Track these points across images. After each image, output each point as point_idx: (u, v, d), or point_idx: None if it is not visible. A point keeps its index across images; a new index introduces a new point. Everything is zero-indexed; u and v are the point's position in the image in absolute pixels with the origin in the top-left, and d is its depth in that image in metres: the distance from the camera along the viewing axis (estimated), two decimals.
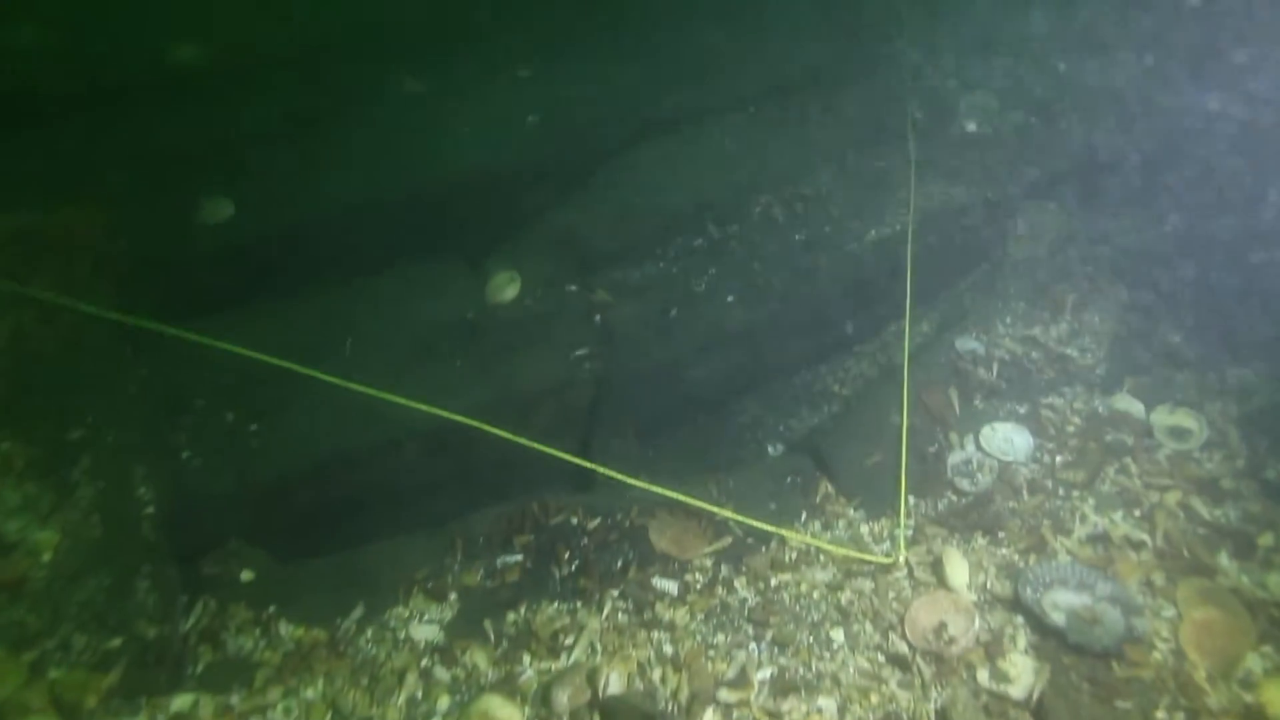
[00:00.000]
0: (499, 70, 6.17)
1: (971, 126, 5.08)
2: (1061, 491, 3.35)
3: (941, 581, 3.10)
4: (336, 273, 4.84)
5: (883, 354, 4.86)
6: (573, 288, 4.66)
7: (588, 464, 3.59)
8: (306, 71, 6.20)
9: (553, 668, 2.98)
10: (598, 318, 4.48)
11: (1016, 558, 3.16)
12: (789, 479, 3.79)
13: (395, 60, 6.34)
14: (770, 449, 4.67)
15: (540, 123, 5.59)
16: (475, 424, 3.70)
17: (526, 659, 3.03)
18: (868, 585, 3.17)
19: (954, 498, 3.45)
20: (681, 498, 3.45)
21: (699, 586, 3.30)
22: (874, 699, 2.71)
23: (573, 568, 3.44)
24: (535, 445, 3.60)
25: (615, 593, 3.25)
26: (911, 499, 3.48)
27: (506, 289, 4.69)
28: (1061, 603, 2.89)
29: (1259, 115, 4.54)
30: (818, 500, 3.63)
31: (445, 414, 3.76)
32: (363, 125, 5.70)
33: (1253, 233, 4.21)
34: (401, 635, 3.22)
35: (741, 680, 2.83)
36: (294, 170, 5.36)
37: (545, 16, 6.70)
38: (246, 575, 3.51)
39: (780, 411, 4.83)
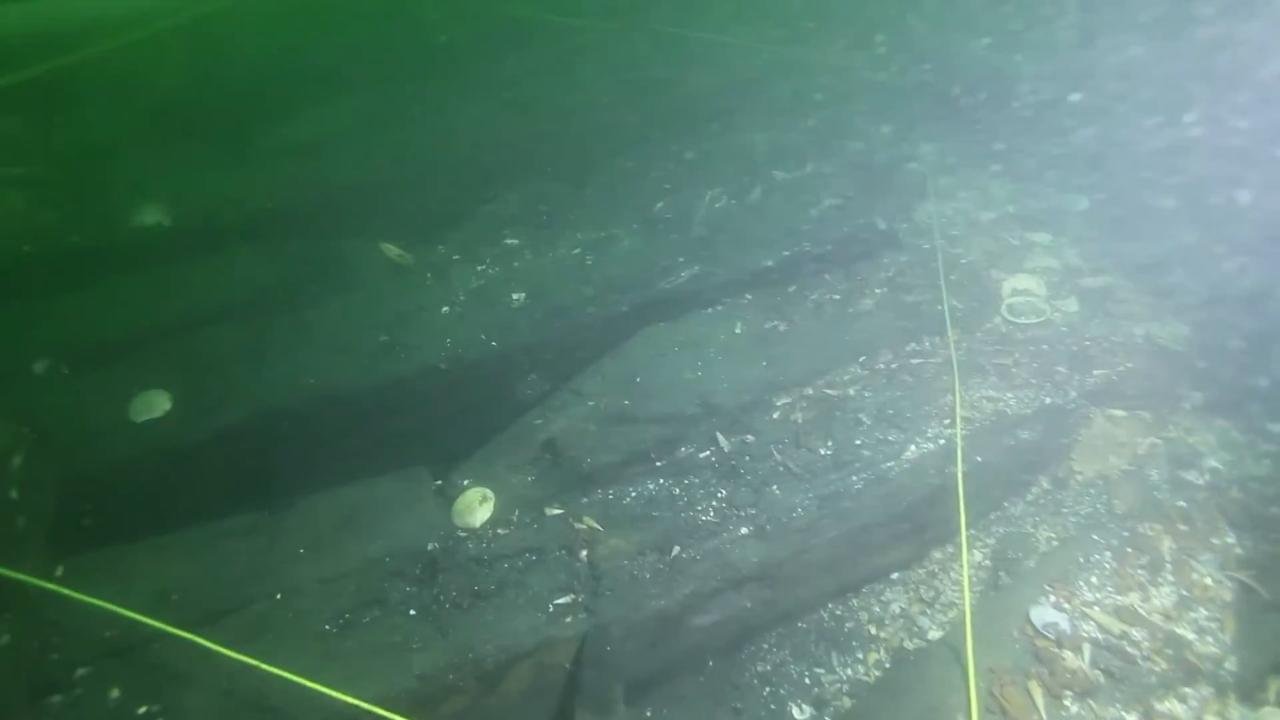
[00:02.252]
0: (486, 236, 5.64)
1: (1018, 316, 4.42)
2: None
3: None
4: (279, 486, 4.11)
5: (927, 588, 4.03)
6: (555, 511, 3.89)
7: None
8: (277, 239, 5.70)
9: None
10: (584, 553, 3.69)
11: None
12: None
13: (376, 225, 5.85)
14: (795, 711, 3.78)
15: (526, 302, 4.98)
16: None
17: None
18: None
19: None
20: None
21: None
22: None
23: None
24: None
25: None
26: None
27: (477, 510, 3.92)
28: None
29: None
30: None
31: (383, 713, 2.92)
32: (332, 302, 5.10)
33: None
34: None
35: None
36: (246, 356, 4.72)
37: (539, 177, 6.25)
38: None
39: (805, 657, 3.95)
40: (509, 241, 5.54)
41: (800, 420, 4.10)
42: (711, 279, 5.01)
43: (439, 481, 4.21)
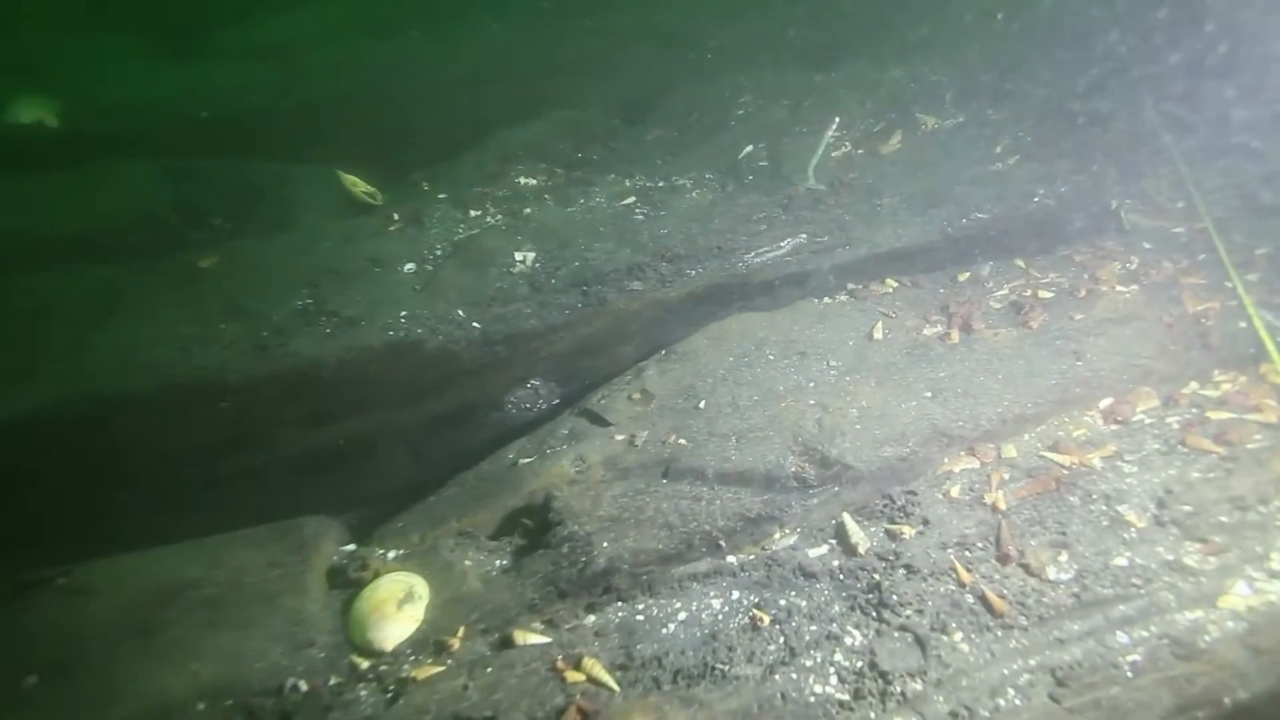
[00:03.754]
0: (491, 172, 3.89)
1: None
2: None
3: None
4: (69, 532, 2.37)
5: None
6: (532, 638, 2.08)
7: None
8: (196, 153, 4.04)
9: None
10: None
11: None
12: None
13: (343, 149, 4.14)
14: None
15: (534, 266, 3.19)
16: None
17: None
18: None
19: None
20: None
21: None
22: None
23: None
24: None
25: None
26: None
27: (391, 619, 2.14)
28: None
29: None
30: None
31: None
32: (244, 244, 3.40)
33: None
34: None
35: None
36: (86, 311, 2.99)
37: (582, 103, 4.49)
38: None
39: None
40: (523, 181, 3.77)
41: (1001, 503, 2.22)
42: (829, 253, 3.15)
43: (349, 547, 2.47)
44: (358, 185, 3.88)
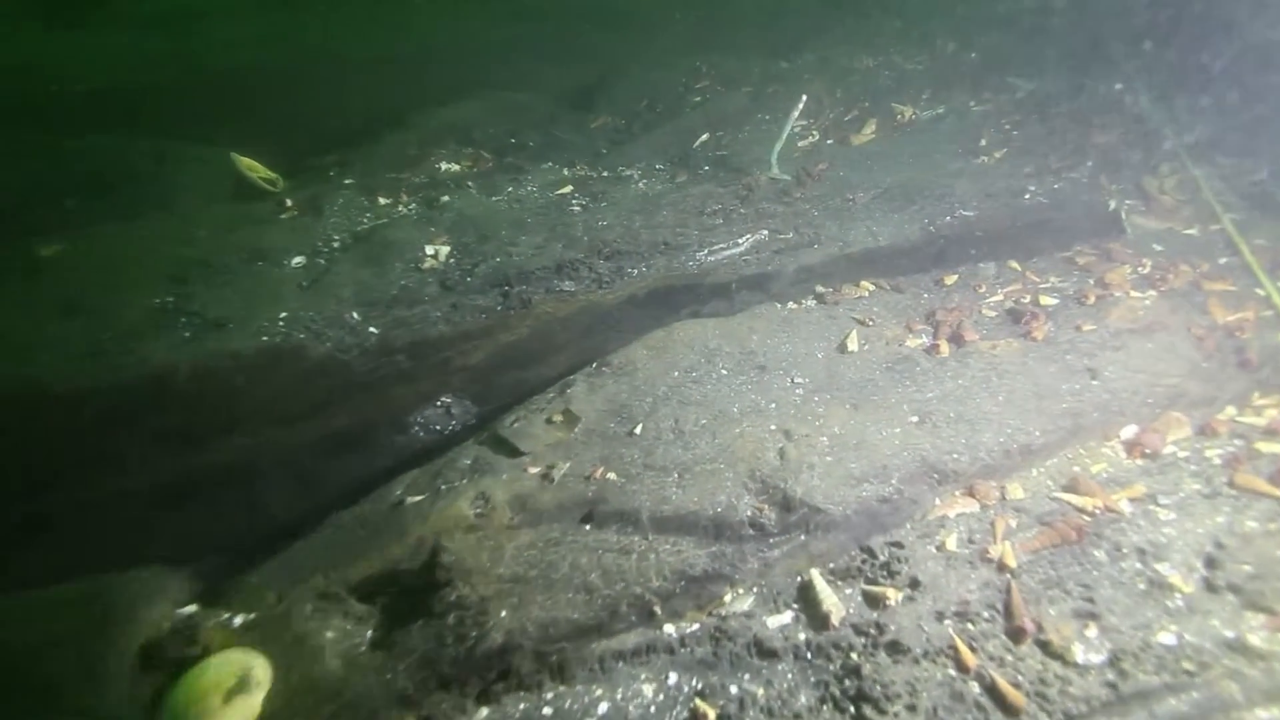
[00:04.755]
0: (408, 157, 3.39)
1: None
2: None
3: None
4: None
5: None
6: None
7: None
8: (57, 130, 3.48)
9: None
10: None
11: None
12: None
13: (240, 128, 3.63)
14: None
15: (448, 261, 2.71)
16: None
17: None
18: None
19: None
20: None
21: None
22: None
23: None
24: None
25: None
26: None
27: (217, 713, 1.59)
28: None
29: None
30: None
31: None
32: (96, 230, 2.84)
33: None
34: None
35: None
36: None
37: (521, 85, 4.02)
38: None
39: None
40: (444, 166, 3.28)
41: (1009, 559, 1.76)
42: (794, 252, 2.69)
43: (188, 610, 1.94)
44: (255, 169, 3.35)
